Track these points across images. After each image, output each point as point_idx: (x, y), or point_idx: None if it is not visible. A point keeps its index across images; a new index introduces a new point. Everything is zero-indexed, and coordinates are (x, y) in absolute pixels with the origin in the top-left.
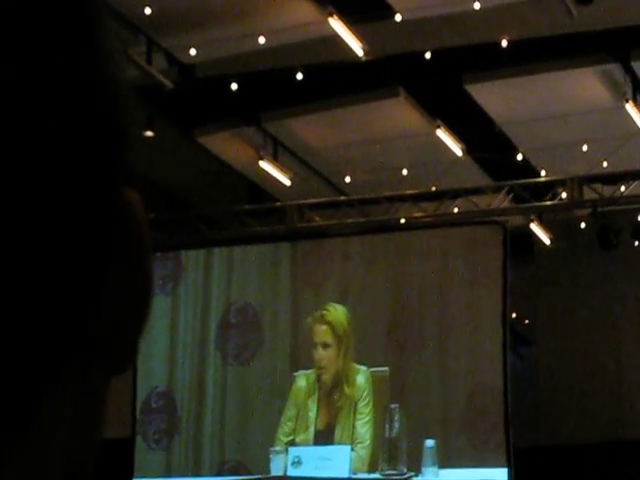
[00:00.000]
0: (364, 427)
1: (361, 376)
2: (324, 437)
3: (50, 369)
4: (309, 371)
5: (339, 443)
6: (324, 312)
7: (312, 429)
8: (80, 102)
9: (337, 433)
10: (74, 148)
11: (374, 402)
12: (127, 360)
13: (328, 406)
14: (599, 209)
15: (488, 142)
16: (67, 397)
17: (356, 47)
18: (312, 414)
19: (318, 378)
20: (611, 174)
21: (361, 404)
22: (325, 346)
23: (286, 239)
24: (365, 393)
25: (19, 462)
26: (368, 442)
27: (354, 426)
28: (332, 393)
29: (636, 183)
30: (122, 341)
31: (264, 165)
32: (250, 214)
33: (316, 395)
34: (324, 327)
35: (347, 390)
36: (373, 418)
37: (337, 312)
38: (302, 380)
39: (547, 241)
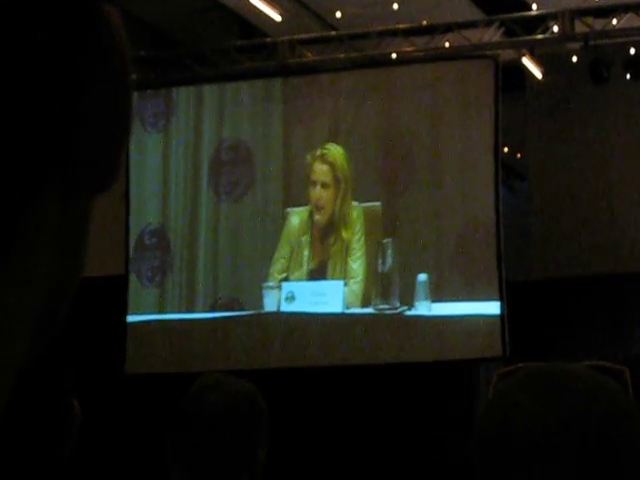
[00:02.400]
0: (356, 262)
1: (354, 213)
2: (317, 274)
3: (31, 182)
4: (302, 208)
5: (332, 279)
6: (325, 152)
7: (305, 267)
8: None
9: (329, 270)
10: None
11: (366, 238)
12: (109, 177)
13: (322, 246)
14: (591, 42)
15: None
16: (49, 214)
17: None
18: (306, 252)
19: (311, 216)
20: (603, 7)
21: (353, 240)
22: (324, 186)
23: (277, 75)
24: (357, 229)
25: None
26: (361, 277)
27: (347, 262)
28: (327, 234)
29: (628, 16)
30: (102, 155)
31: (254, 0)
32: (241, 50)
33: (309, 233)
34: (325, 167)
35: (344, 233)
36: (365, 253)
37: (338, 153)
38: (295, 217)
39: (539, 75)
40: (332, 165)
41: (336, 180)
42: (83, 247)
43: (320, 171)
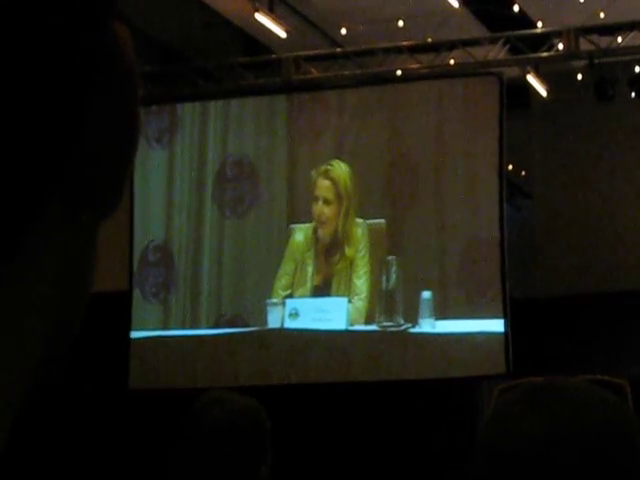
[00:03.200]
0: (361, 279)
1: (359, 229)
2: (321, 291)
3: (33, 198)
4: (306, 225)
5: (336, 296)
6: (328, 168)
7: (309, 283)
8: None
9: (334, 286)
10: None
11: (370, 255)
12: (114, 199)
13: (326, 262)
14: (596, 60)
15: None
16: (51, 232)
17: None
18: (310, 269)
19: (315, 232)
20: (608, 25)
21: (358, 257)
22: (326, 201)
23: (282, 91)
24: (362, 246)
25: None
26: (365, 294)
27: (351, 279)
28: (331, 251)
29: (633, 34)
30: (108, 177)
31: (260, 17)
32: (246, 67)
33: (313, 250)
34: (327, 183)
35: (347, 251)
36: (370, 271)
37: (341, 170)
38: (300, 234)
39: (544, 93)
40: (334, 181)
41: (338, 196)
42: (90, 268)
43: (322, 187)
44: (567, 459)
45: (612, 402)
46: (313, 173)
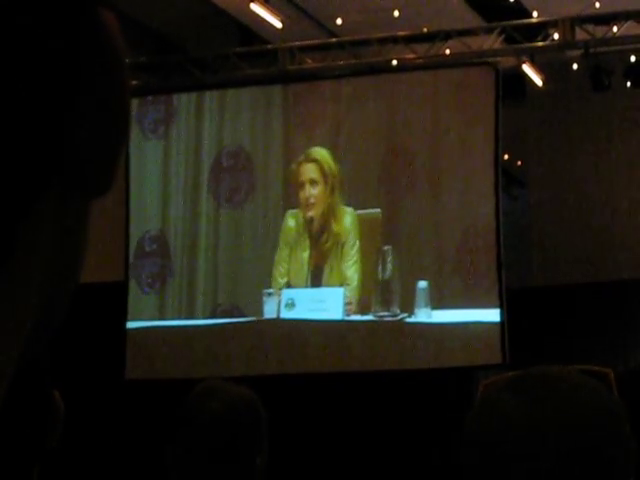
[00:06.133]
0: (351, 269)
1: (347, 217)
2: (316, 274)
3: (30, 190)
4: (296, 210)
5: (327, 283)
6: (308, 153)
7: (306, 268)
8: None
9: (325, 273)
10: None
11: (362, 244)
12: (107, 181)
13: (318, 246)
14: (591, 50)
15: None
16: (48, 220)
17: None
18: (305, 254)
19: (307, 217)
20: (603, 14)
21: (347, 246)
22: (313, 182)
23: (278, 82)
24: (351, 235)
25: None
26: (355, 283)
27: (341, 268)
28: (321, 233)
29: (629, 23)
30: (100, 158)
31: (255, 7)
32: (242, 57)
33: (307, 234)
34: (311, 165)
35: (335, 228)
36: (360, 260)
37: (321, 152)
38: (291, 220)
39: (539, 82)
40: (318, 162)
41: (324, 175)
42: (82, 250)
43: (307, 170)
44: (550, 442)
45: (595, 387)
46: (293, 165)
